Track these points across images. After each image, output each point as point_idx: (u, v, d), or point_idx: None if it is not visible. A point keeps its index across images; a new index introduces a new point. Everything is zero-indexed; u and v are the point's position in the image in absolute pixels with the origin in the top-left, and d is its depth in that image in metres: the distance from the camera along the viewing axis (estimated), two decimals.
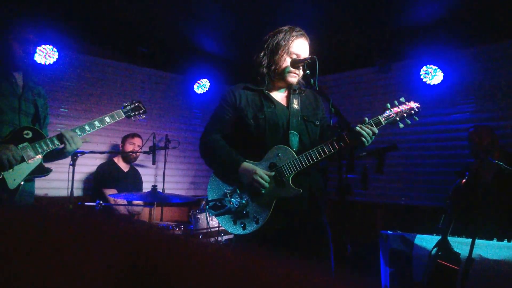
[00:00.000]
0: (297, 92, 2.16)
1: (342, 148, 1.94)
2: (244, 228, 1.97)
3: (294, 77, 2.09)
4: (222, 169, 2.09)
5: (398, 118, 2.04)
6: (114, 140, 4.50)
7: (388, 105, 2.07)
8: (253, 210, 1.97)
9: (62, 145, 2.26)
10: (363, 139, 1.92)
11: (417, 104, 2.06)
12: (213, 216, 2.09)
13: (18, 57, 2.27)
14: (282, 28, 2.12)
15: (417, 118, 2.06)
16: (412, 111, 2.04)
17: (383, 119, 2.02)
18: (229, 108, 2.10)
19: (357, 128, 1.93)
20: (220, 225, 3.23)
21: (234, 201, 1.99)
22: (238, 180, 2.02)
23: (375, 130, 1.96)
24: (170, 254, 0.35)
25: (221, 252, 0.38)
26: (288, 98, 2.15)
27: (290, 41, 2.05)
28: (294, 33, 2.07)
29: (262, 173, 1.95)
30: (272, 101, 2.10)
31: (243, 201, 1.98)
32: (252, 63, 2.14)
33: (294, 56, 2.06)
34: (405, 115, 2.04)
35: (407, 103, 2.06)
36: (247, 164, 2.00)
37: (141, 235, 0.38)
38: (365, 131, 1.93)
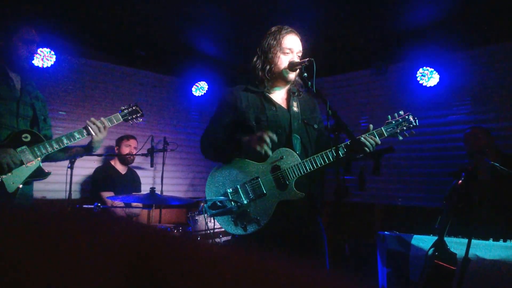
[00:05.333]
0: (296, 94, 2.17)
1: (345, 155, 1.99)
2: (245, 229, 1.97)
3: (292, 73, 2.10)
4: (225, 149, 2.06)
5: (398, 131, 2.10)
6: (112, 143, 4.50)
7: (389, 117, 2.13)
8: (255, 212, 1.97)
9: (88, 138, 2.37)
10: (366, 148, 1.98)
11: (415, 118, 2.12)
12: (211, 216, 2.08)
13: (22, 57, 2.28)
14: (271, 29, 2.14)
15: (414, 132, 2.12)
16: (411, 125, 2.10)
17: (386, 131, 2.08)
18: (230, 110, 2.10)
19: (362, 139, 1.98)
20: (218, 226, 3.23)
21: (236, 202, 1.98)
22: (244, 149, 1.97)
23: (378, 141, 2.03)
24: (170, 255, 0.36)
25: (222, 252, 0.38)
26: (288, 100, 2.15)
27: (281, 39, 2.07)
28: (283, 31, 2.10)
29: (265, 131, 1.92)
30: (273, 103, 2.10)
31: (245, 202, 1.98)
32: (249, 68, 2.16)
33: (287, 51, 2.07)
34: (404, 128, 2.11)
35: (406, 116, 2.12)
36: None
37: (141, 236, 0.38)
38: (369, 141, 1.99)
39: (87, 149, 2.45)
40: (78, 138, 2.34)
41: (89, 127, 2.35)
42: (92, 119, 2.37)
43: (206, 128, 2.17)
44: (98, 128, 2.37)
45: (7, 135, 2.17)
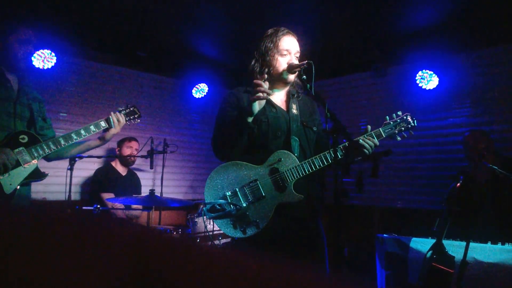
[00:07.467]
0: (295, 96, 2.17)
1: (344, 157, 1.98)
2: (244, 232, 1.95)
3: (291, 75, 2.09)
4: (236, 125, 1.98)
5: (396, 131, 2.10)
6: (112, 144, 4.51)
7: (387, 117, 2.12)
8: (254, 215, 1.96)
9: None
10: (365, 150, 1.97)
11: (414, 119, 2.12)
12: (210, 219, 2.06)
13: (18, 58, 2.28)
14: (267, 32, 2.13)
15: (413, 133, 2.11)
16: (409, 125, 2.10)
17: (384, 132, 2.08)
18: (233, 110, 2.08)
19: (361, 141, 1.98)
20: (217, 229, 3.23)
21: (235, 205, 1.98)
22: (249, 110, 1.90)
23: (377, 142, 2.02)
24: (170, 256, 0.36)
25: (221, 254, 0.39)
26: (288, 103, 2.15)
27: (278, 40, 2.07)
28: (280, 33, 2.09)
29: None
30: (273, 105, 2.10)
31: (244, 205, 1.97)
32: (247, 72, 2.16)
33: (284, 53, 2.06)
34: (403, 129, 2.10)
35: (404, 117, 2.11)
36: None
37: (142, 238, 0.38)
38: (367, 143, 1.98)
39: (101, 139, 2.50)
40: (84, 136, 2.36)
41: (111, 118, 2.43)
42: (117, 112, 2.49)
43: (213, 133, 2.13)
44: (118, 121, 2.46)
45: (4, 136, 2.17)
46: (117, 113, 2.47)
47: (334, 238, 1.95)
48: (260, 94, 1.84)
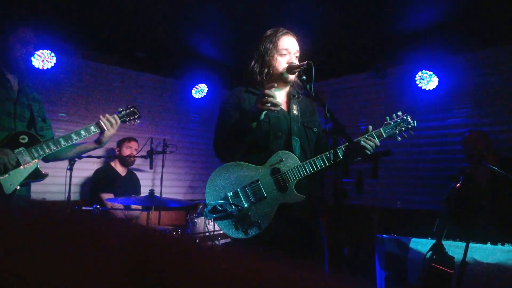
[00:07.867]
0: (296, 97, 2.18)
1: (344, 157, 1.99)
2: (246, 233, 1.95)
3: (291, 75, 2.10)
4: (239, 129, 1.97)
5: (397, 132, 2.11)
6: (111, 144, 4.50)
7: (388, 118, 2.14)
8: (256, 215, 1.95)
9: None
10: (366, 151, 1.99)
11: (413, 119, 2.13)
12: (211, 220, 2.05)
13: (18, 58, 2.27)
14: (266, 33, 2.14)
15: (412, 133, 2.13)
16: (409, 126, 2.11)
17: (384, 132, 2.09)
18: (234, 111, 2.08)
19: (362, 142, 1.99)
20: (217, 229, 3.23)
21: (237, 205, 1.97)
22: (252, 116, 1.90)
23: (377, 142, 2.03)
24: (171, 257, 0.36)
25: (222, 255, 0.39)
26: (288, 103, 2.15)
27: (277, 41, 2.08)
28: (279, 33, 2.10)
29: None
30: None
31: (246, 205, 1.96)
32: (247, 73, 2.15)
33: (284, 53, 2.07)
34: (403, 129, 2.11)
35: (404, 117, 2.13)
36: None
37: (142, 238, 0.38)
38: (369, 144, 1.99)
39: (98, 142, 2.46)
40: (84, 136, 2.35)
41: (101, 122, 2.39)
42: (106, 115, 2.44)
43: (215, 135, 2.13)
44: (111, 123, 2.42)
45: (5, 137, 2.17)
46: (107, 115, 2.42)
47: (334, 238, 1.94)
48: (270, 105, 1.83)
